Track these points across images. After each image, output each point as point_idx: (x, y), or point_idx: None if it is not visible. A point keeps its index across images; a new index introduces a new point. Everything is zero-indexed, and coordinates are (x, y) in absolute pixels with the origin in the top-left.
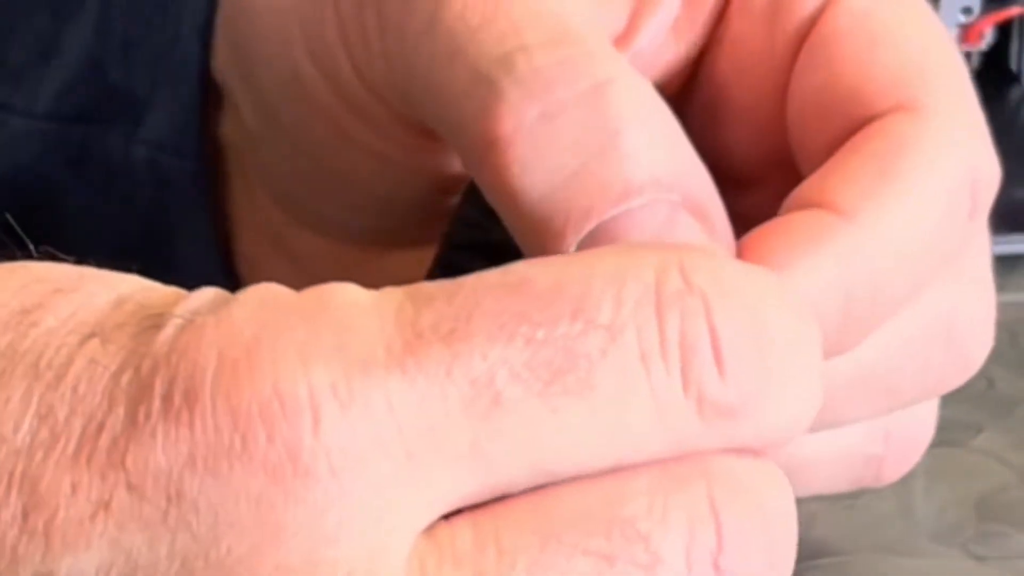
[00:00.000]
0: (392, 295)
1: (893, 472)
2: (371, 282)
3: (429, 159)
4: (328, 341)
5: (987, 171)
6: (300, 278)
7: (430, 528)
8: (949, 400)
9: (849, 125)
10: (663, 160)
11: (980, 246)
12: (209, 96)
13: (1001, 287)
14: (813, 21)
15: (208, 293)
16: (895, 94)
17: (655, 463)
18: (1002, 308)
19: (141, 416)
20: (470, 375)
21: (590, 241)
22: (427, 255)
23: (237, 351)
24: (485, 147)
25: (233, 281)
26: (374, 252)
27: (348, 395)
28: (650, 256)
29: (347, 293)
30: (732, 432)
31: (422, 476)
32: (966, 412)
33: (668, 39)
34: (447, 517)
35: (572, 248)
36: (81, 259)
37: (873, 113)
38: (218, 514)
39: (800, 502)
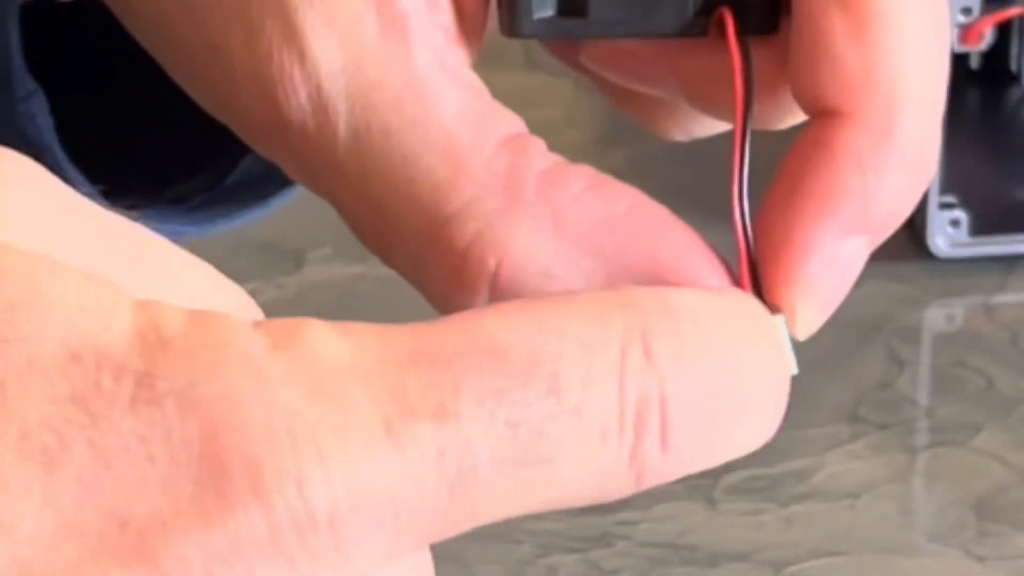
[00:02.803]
0: (368, 350)
1: None
2: None
3: None
4: (332, 421)
5: None
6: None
7: None
8: (949, 400)
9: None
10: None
11: None
12: None
13: (1001, 287)
14: None
15: (172, 323)
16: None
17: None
18: (1002, 308)
19: (167, 511)
20: (458, 459)
21: None
22: None
23: (258, 448)
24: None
25: None
26: None
27: (359, 491)
28: (617, 322)
29: (325, 346)
30: (648, 483)
31: (403, 547)
32: (966, 412)
33: None
34: None
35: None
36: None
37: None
38: None
39: (800, 502)
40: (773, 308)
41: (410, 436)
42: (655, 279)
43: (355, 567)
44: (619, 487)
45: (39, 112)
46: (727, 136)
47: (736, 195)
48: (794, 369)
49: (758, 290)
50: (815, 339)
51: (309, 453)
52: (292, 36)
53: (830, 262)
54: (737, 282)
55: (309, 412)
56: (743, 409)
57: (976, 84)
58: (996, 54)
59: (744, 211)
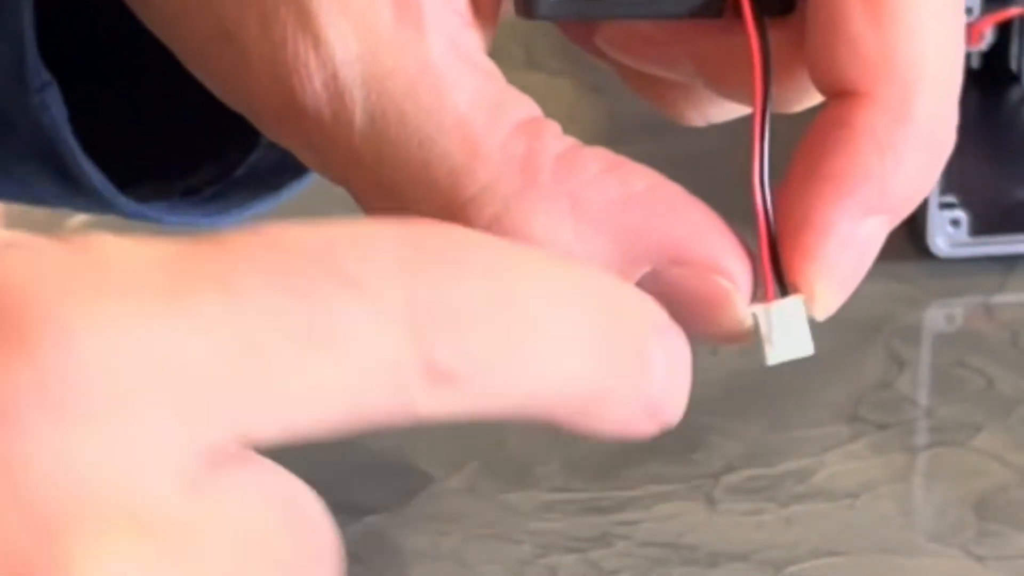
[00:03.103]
0: (159, 242)
1: None
2: None
3: None
4: (110, 284)
5: None
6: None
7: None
8: (949, 400)
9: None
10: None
11: None
12: None
13: (1001, 287)
14: None
15: None
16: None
17: None
18: (1002, 308)
19: None
20: (237, 324)
21: None
22: None
23: (31, 304)
24: None
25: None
26: None
27: (133, 351)
28: (398, 226)
29: (113, 240)
30: (455, 395)
31: (198, 420)
32: (966, 412)
33: None
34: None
35: None
36: None
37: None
38: None
39: (800, 502)
40: (792, 288)
41: (188, 302)
42: (674, 258)
43: (143, 434)
44: (412, 389)
45: (53, 103)
46: (727, 137)
47: (756, 176)
48: (811, 350)
49: (778, 270)
50: (815, 339)
51: (82, 311)
52: (307, 24)
53: (849, 242)
54: (755, 261)
55: (87, 274)
56: (548, 331)
57: (976, 84)
58: (996, 54)
59: (765, 192)
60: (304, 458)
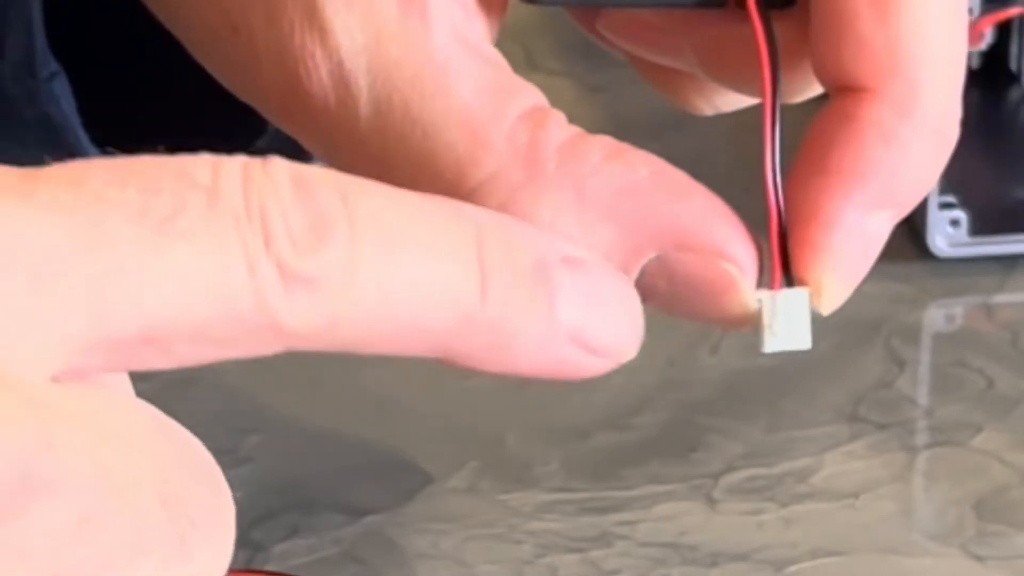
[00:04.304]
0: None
1: None
2: None
3: None
4: None
5: None
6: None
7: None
8: (949, 400)
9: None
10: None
11: None
12: None
13: (1001, 287)
14: None
15: None
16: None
17: None
18: (1002, 308)
19: None
20: (90, 213)
21: None
22: None
23: None
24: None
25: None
26: None
27: None
28: (237, 158)
29: None
30: (318, 303)
31: (43, 309)
32: (966, 412)
33: None
34: None
35: None
36: None
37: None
38: None
39: (800, 502)
40: (798, 281)
41: (34, 189)
42: (680, 244)
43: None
44: (270, 292)
45: (62, 93)
46: (727, 137)
47: (769, 167)
48: (808, 344)
49: (786, 258)
50: (815, 340)
51: None
52: (313, 15)
53: (855, 236)
54: (760, 247)
55: None
56: (410, 242)
57: (976, 84)
58: (996, 54)
59: (777, 183)
60: (305, 458)
